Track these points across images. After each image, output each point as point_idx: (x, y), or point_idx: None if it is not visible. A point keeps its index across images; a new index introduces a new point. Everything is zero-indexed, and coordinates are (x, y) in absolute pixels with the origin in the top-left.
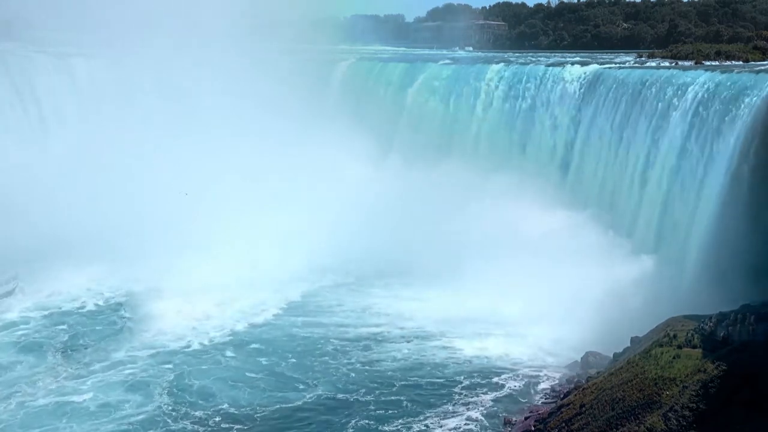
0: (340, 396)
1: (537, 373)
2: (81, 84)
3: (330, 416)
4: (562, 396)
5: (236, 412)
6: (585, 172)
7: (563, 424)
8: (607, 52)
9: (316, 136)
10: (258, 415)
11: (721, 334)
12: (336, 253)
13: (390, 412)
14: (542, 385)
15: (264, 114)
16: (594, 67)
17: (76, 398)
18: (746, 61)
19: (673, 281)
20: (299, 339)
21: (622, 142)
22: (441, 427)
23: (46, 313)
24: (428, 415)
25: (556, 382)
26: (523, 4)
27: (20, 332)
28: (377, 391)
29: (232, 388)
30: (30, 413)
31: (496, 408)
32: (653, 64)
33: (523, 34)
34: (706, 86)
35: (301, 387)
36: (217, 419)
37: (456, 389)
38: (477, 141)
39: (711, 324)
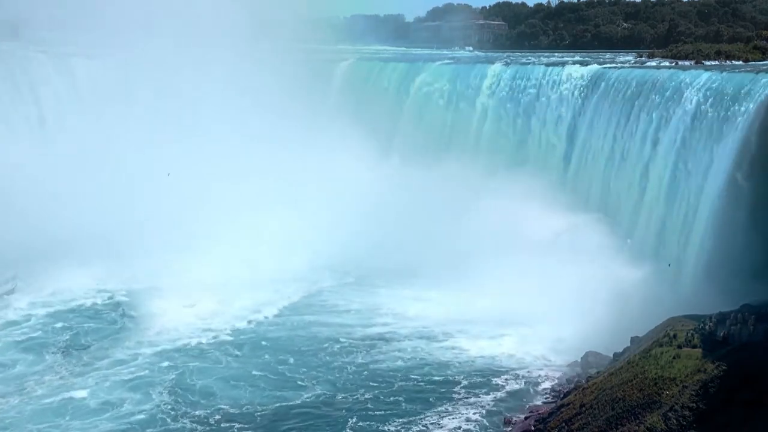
0: (340, 395)
1: (537, 373)
2: (81, 84)
3: (330, 416)
4: (562, 396)
5: (236, 411)
6: (585, 173)
7: (563, 424)
8: (607, 52)
9: (316, 135)
10: (258, 414)
11: (721, 334)
12: (337, 253)
13: (390, 411)
14: (542, 385)
15: (264, 114)
16: (594, 67)
17: (76, 397)
18: (746, 60)
19: (673, 281)
20: (300, 338)
21: (622, 141)
22: (441, 426)
23: (46, 312)
24: (428, 414)
25: (556, 381)
26: (523, 4)
27: (21, 331)
28: (377, 391)
29: (233, 387)
30: (31, 411)
31: (496, 408)
32: (653, 63)
33: (523, 33)
34: (706, 87)
35: (302, 386)
36: (218, 418)
37: (456, 389)
38: (477, 141)
39: (711, 324)
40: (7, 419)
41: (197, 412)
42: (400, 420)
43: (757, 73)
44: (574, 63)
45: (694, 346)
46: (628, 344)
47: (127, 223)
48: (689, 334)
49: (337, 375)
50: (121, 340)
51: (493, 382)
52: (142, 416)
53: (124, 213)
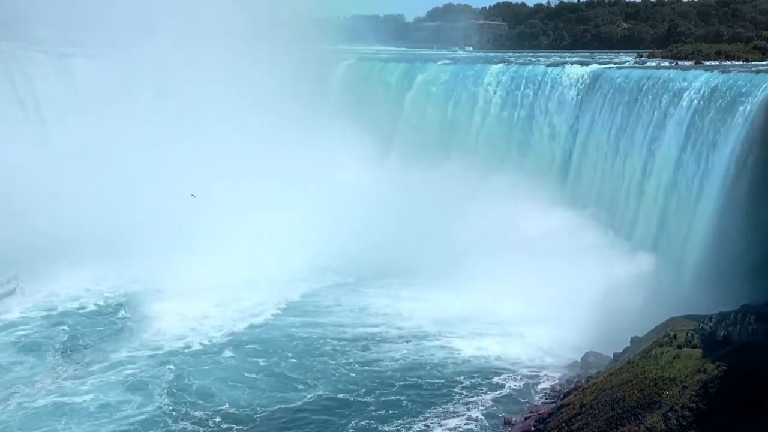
0: (340, 396)
1: (537, 373)
2: (81, 84)
3: (330, 416)
4: (562, 396)
5: (236, 412)
6: (585, 172)
7: (563, 424)
8: (607, 52)
9: (316, 135)
10: (258, 415)
11: (721, 334)
12: (336, 253)
13: (390, 412)
14: (542, 385)
15: (264, 114)
16: (594, 66)
17: (75, 399)
18: (746, 61)
19: (673, 281)
20: (299, 339)
21: (622, 140)
22: (441, 427)
23: (45, 313)
24: (428, 415)
25: (556, 382)
26: (523, 4)
27: (20, 332)
28: (377, 391)
29: (232, 389)
30: (29, 414)
31: (496, 408)
32: (653, 64)
33: (523, 34)
34: (706, 86)
35: (301, 387)
36: (217, 419)
37: (456, 389)
38: (476, 141)
39: (711, 324)
40: (5, 422)
41: (196, 413)
42: (400, 420)
43: (757, 73)
44: (574, 63)
45: (694, 346)
46: (628, 344)
47: (127, 223)
48: (689, 334)
49: (337, 375)
50: (120, 342)
51: (493, 383)
52: (141, 418)
53: (124, 213)
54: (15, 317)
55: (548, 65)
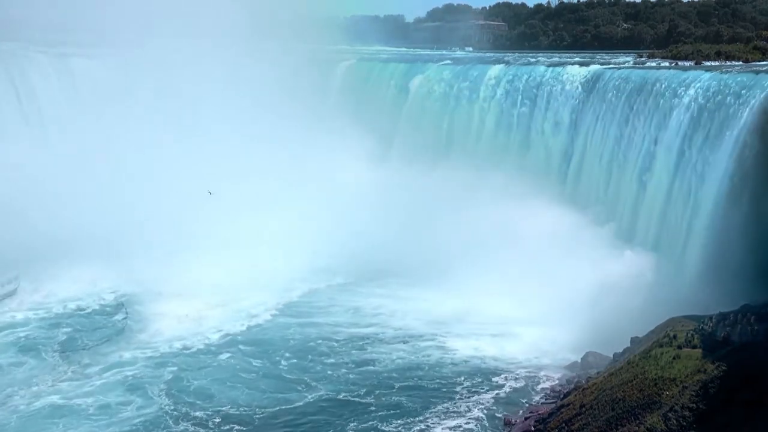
0: (340, 396)
1: (537, 374)
2: (81, 84)
3: (330, 417)
4: (562, 396)
5: (236, 413)
6: (585, 173)
7: (563, 425)
8: (607, 53)
9: (316, 135)
10: (258, 416)
11: (721, 334)
12: (336, 254)
13: (390, 412)
14: (542, 386)
15: (264, 114)
16: (594, 67)
17: (74, 400)
18: (746, 61)
19: (673, 281)
20: (298, 340)
21: (622, 140)
22: (441, 426)
23: (45, 314)
24: (428, 415)
25: (556, 382)
26: (523, 5)
27: (19, 333)
28: (377, 392)
29: (232, 389)
30: (28, 415)
31: (495, 408)
32: (653, 64)
33: (523, 34)
34: (706, 86)
35: (301, 388)
36: (217, 420)
37: (456, 389)
38: (477, 141)
39: (711, 324)
40: (4, 423)
41: (197, 414)
42: (400, 420)
43: (757, 73)
44: (575, 63)
45: (694, 347)
46: (628, 344)
47: (127, 223)
48: (689, 335)
49: (337, 375)
50: (120, 343)
51: (493, 383)
52: (141, 419)
53: (124, 213)
54: (14, 318)
55: (548, 66)
